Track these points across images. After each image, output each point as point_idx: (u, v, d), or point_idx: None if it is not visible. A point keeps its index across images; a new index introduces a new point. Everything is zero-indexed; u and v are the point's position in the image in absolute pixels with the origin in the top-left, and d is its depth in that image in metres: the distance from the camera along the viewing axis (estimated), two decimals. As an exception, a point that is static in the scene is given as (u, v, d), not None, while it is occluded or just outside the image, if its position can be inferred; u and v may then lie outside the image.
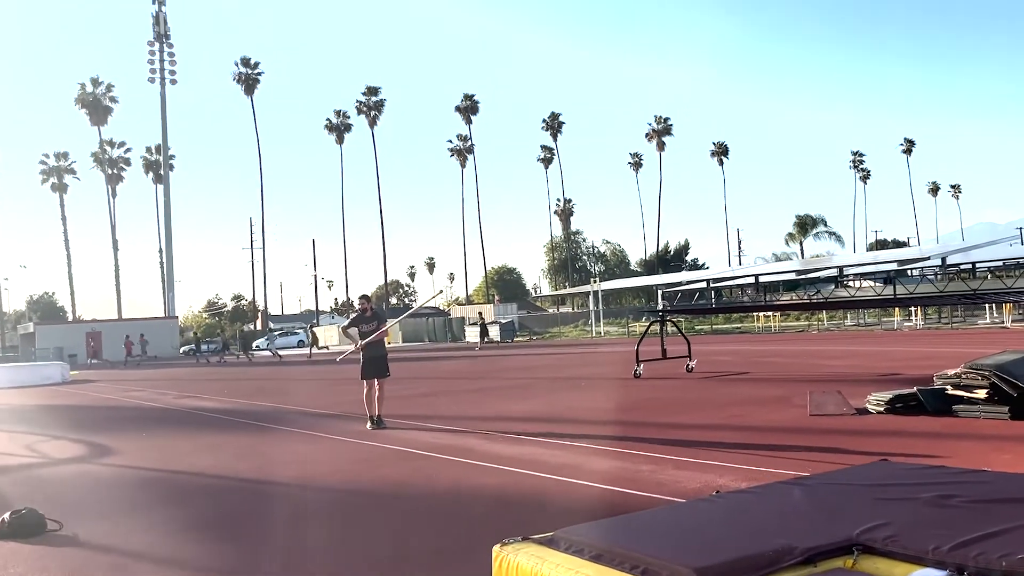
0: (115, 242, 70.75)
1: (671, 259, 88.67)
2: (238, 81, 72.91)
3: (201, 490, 7.76)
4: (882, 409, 9.58)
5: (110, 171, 71.75)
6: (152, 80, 64.09)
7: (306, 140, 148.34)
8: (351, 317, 12.07)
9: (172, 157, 71.57)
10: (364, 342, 11.09)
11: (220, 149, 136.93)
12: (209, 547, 5.55)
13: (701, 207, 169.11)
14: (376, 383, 11.09)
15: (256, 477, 8.14)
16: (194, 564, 5.15)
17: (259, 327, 74.15)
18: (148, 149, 74.24)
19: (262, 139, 75.66)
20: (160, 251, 69.56)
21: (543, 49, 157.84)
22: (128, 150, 73.62)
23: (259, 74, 73.33)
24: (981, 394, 8.81)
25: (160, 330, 56.42)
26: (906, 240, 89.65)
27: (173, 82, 64.63)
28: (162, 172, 67.73)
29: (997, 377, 8.65)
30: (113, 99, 69.28)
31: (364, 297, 11.78)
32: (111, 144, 72.35)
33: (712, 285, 22.04)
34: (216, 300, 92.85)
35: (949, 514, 2.73)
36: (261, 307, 78.64)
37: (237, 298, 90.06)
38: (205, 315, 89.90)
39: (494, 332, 46.11)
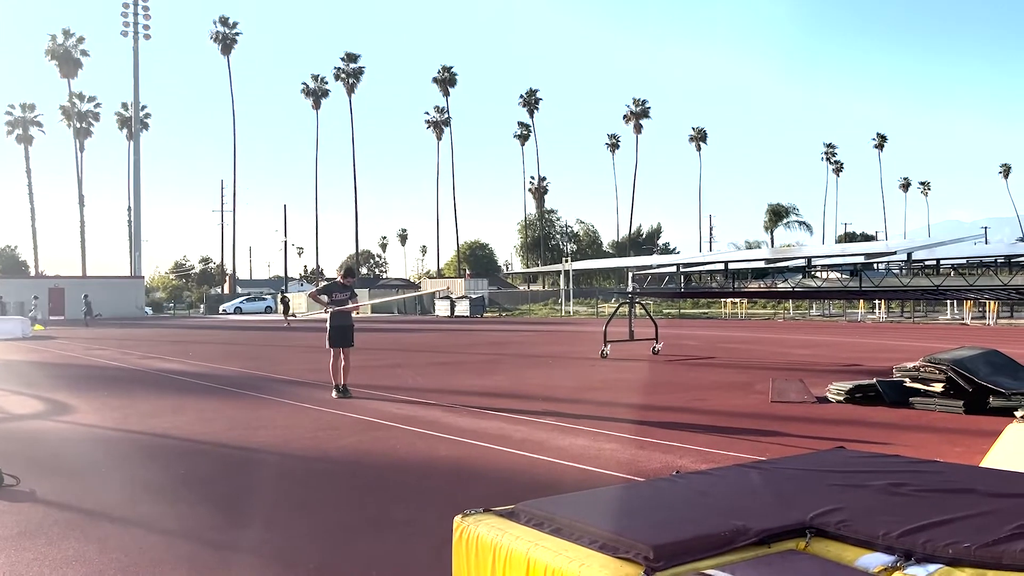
0: (81, 198, 69.53)
1: (643, 242, 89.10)
2: (215, 40, 71.65)
3: (161, 451, 7.71)
4: (842, 398, 9.75)
5: (78, 125, 70.26)
6: (125, 34, 62.66)
7: (282, 104, 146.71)
8: (323, 283, 12.06)
9: (147, 116, 70.29)
10: (336, 309, 11.08)
11: (194, 109, 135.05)
12: (167, 508, 5.52)
13: (675, 192, 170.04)
14: (343, 352, 11.08)
15: (217, 441, 8.10)
16: (151, 524, 5.13)
17: (227, 291, 73.43)
18: (124, 105, 72.83)
19: (237, 101, 74.27)
20: (128, 209, 68.49)
21: (523, 24, 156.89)
22: (98, 105, 72.25)
23: (237, 34, 72.14)
24: (938, 387, 9.00)
25: (126, 290, 55.76)
26: (874, 234, 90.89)
27: (147, 37, 63.24)
28: (133, 129, 66.40)
29: (954, 372, 8.85)
30: (84, 52, 67.79)
31: (348, 271, 11.89)
32: (80, 98, 70.85)
33: (682, 270, 22.13)
34: (184, 262, 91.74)
35: (900, 502, 2.80)
36: (229, 271, 77.83)
37: (205, 261, 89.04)
38: (172, 276, 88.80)
39: (463, 307, 45.98)
